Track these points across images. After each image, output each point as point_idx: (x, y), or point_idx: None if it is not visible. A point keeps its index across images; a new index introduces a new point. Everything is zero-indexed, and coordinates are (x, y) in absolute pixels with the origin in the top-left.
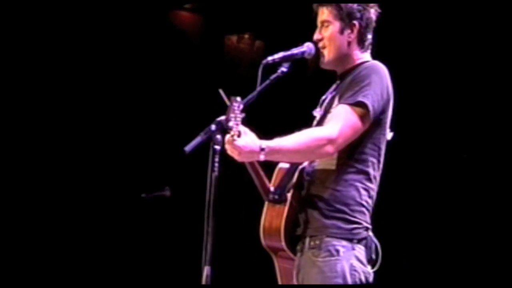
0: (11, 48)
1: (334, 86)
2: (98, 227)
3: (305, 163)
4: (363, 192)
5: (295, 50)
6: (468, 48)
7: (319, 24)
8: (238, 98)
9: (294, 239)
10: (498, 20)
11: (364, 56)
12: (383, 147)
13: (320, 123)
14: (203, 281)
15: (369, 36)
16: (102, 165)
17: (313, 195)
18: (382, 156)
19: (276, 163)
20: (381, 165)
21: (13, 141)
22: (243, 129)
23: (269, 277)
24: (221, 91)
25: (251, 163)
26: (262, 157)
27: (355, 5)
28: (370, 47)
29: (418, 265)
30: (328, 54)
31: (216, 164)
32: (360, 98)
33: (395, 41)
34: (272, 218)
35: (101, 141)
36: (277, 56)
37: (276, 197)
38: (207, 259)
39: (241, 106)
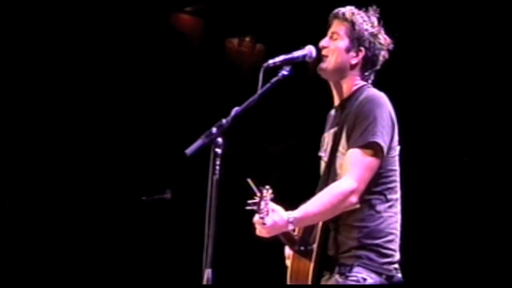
0: (12, 48)
1: (333, 119)
2: (99, 229)
3: None
4: (390, 220)
5: (296, 53)
6: (468, 52)
7: (329, 33)
8: (267, 187)
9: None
10: (497, 25)
11: (360, 83)
12: (397, 167)
13: (330, 164)
14: (204, 284)
15: (371, 72)
16: (103, 168)
17: (342, 236)
18: (398, 176)
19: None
20: (398, 184)
21: (14, 143)
22: (270, 206)
23: (269, 279)
24: (249, 180)
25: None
26: (290, 228)
27: (368, 33)
28: (370, 78)
29: (418, 267)
30: (328, 64)
31: (217, 167)
32: (370, 139)
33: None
34: (299, 270)
35: (103, 143)
36: (278, 59)
37: (302, 248)
38: (208, 262)
39: (271, 194)
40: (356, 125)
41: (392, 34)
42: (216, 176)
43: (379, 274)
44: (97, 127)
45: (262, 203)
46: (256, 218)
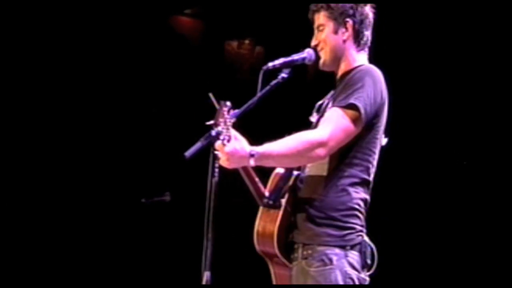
0: (12, 48)
1: (331, 92)
2: (99, 231)
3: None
4: (355, 195)
5: (295, 56)
6: (467, 55)
7: (315, 30)
8: (228, 103)
9: (287, 246)
10: (497, 26)
11: (359, 59)
12: (377, 152)
13: (313, 127)
14: (203, 286)
15: (366, 33)
16: (102, 170)
17: (304, 202)
18: (375, 160)
19: (272, 169)
20: (373, 169)
21: (14, 145)
22: (234, 133)
23: (269, 283)
24: (211, 95)
25: (245, 168)
26: (252, 163)
27: (347, 4)
28: (367, 45)
29: (417, 270)
30: (324, 55)
31: (216, 170)
32: (352, 101)
33: (394, 47)
34: (266, 223)
35: (102, 146)
36: (278, 62)
37: (271, 202)
38: (206, 264)
39: (231, 111)
40: (343, 89)
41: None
42: (215, 179)
43: (342, 247)
44: (97, 129)
45: (221, 126)
46: (218, 143)
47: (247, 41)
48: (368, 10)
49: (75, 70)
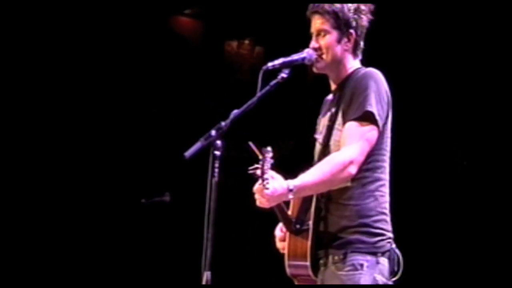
0: (12, 48)
1: (330, 102)
2: (98, 232)
3: None
4: (381, 199)
5: (295, 56)
6: (468, 55)
7: (315, 32)
8: (269, 148)
9: (318, 262)
10: (498, 25)
11: (355, 64)
12: (388, 148)
13: (326, 144)
14: (203, 286)
15: (362, 43)
16: (102, 170)
17: (333, 216)
18: (388, 158)
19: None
20: (388, 167)
21: (13, 146)
22: (270, 174)
23: (269, 282)
24: (251, 144)
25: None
26: (290, 197)
27: (351, 13)
28: (361, 51)
29: (417, 269)
30: (324, 62)
31: (216, 170)
32: (366, 109)
33: (394, 47)
34: (297, 247)
35: (102, 146)
36: (277, 62)
37: (298, 226)
38: (206, 264)
39: (271, 155)
40: (353, 99)
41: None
42: (215, 179)
43: (373, 254)
44: (97, 129)
45: (265, 165)
46: (256, 186)
47: (246, 41)
48: (366, 21)
49: (75, 70)
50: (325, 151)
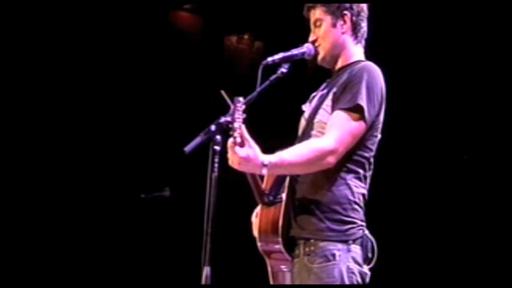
0: (12, 48)
1: (325, 84)
2: (97, 227)
3: None
4: (355, 189)
5: (294, 51)
6: (467, 49)
7: (312, 26)
8: (241, 99)
9: (289, 241)
10: (497, 20)
11: (357, 53)
12: (374, 148)
13: (310, 120)
14: (203, 281)
15: (363, 24)
16: (102, 166)
17: (305, 197)
18: (372, 157)
19: None
20: (372, 166)
21: (13, 142)
22: (248, 138)
23: (268, 277)
24: (223, 92)
25: None
26: (264, 172)
27: None
28: (364, 38)
29: (417, 265)
30: (324, 51)
31: (216, 165)
32: (357, 102)
33: (392, 41)
34: (268, 220)
35: (101, 141)
36: (277, 56)
37: (271, 198)
38: (206, 259)
39: (243, 107)
40: (346, 89)
41: None
42: (215, 174)
43: (344, 242)
44: (96, 125)
45: (237, 123)
46: (230, 141)
47: (246, 36)
48: (363, 4)
49: (73, 68)
50: (308, 127)
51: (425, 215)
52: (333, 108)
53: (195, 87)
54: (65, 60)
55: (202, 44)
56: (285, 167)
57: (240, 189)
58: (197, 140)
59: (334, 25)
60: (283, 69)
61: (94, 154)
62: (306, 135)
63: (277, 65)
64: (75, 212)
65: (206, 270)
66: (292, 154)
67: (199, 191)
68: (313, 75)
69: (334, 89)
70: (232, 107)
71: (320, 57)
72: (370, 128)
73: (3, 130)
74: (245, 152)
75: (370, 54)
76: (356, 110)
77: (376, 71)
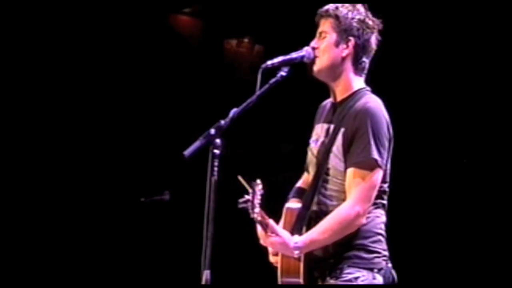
0: (12, 48)
1: (327, 112)
2: (97, 231)
3: (313, 204)
4: (377, 220)
5: (294, 54)
6: (467, 54)
7: (317, 34)
8: (259, 181)
9: (312, 281)
10: (497, 23)
11: (358, 82)
12: (388, 177)
13: (323, 162)
14: (203, 285)
15: (365, 60)
16: (102, 169)
17: None
18: (388, 187)
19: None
20: (387, 192)
21: (13, 145)
22: (275, 227)
23: (268, 281)
24: (240, 178)
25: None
26: (296, 255)
27: (355, 22)
28: (365, 72)
29: (417, 268)
30: (320, 64)
31: (216, 169)
32: (370, 156)
33: (393, 44)
34: (290, 264)
35: (101, 144)
36: (277, 60)
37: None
38: (206, 263)
39: (262, 191)
40: (355, 140)
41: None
42: (215, 177)
43: (369, 269)
44: (96, 128)
45: (255, 199)
46: (260, 232)
47: (246, 40)
48: (374, 39)
49: (73, 69)
50: (322, 169)
51: (424, 219)
52: (345, 159)
53: (195, 90)
54: (65, 63)
55: (202, 47)
56: (317, 244)
57: (239, 192)
58: (197, 144)
59: (336, 45)
60: (283, 73)
61: (94, 158)
62: (321, 178)
63: (276, 68)
64: (75, 215)
65: (206, 274)
66: (320, 232)
67: (199, 195)
68: (312, 78)
69: (343, 129)
70: (250, 191)
71: (315, 68)
72: (386, 165)
73: (3, 133)
74: (279, 240)
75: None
76: (370, 164)
77: (378, 109)
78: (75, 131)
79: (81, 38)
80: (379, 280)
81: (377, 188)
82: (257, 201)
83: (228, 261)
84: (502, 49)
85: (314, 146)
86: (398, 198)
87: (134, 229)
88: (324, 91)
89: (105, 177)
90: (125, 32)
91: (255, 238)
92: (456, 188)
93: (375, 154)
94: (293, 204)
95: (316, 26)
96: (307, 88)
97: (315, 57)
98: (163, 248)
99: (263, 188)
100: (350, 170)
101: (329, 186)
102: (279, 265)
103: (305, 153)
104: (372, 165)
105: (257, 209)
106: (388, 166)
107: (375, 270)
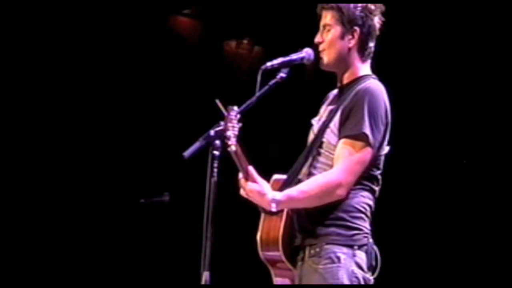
0: (11, 50)
1: (333, 97)
2: (97, 232)
3: (302, 175)
4: (362, 199)
5: (293, 56)
6: (466, 55)
7: (321, 27)
8: (235, 107)
9: (292, 250)
10: (496, 25)
11: (364, 68)
12: (381, 166)
13: (319, 136)
14: (202, 286)
15: (371, 44)
16: (101, 170)
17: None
18: (379, 174)
19: (270, 174)
20: (380, 182)
21: (13, 145)
22: (255, 175)
23: (268, 282)
24: (217, 101)
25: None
26: (273, 209)
27: (358, 11)
28: (371, 56)
29: (417, 270)
30: (327, 57)
31: (215, 170)
32: (362, 130)
33: (392, 47)
34: (270, 229)
35: (100, 146)
36: (276, 61)
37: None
38: (206, 264)
39: (238, 115)
40: (351, 114)
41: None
42: (214, 179)
43: (349, 246)
44: (95, 129)
45: (230, 131)
46: (240, 177)
47: (245, 41)
48: (376, 22)
49: (73, 71)
50: (316, 143)
51: (424, 220)
52: (339, 132)
53: (194, 91)
54: (65, 64)
55: (202, 49)
56: (294, 204)
57: (239, 193)
58: (196, 145)
59: (342, 37)
60: (282, 74)
61: (94, 159)
62: (315, 150)
63: (276, 70)
64: (74, 216)
65: (206, 275)
66: (300, 191)
67: (199, 196)
68: (311, 79)
69: (342, 107)
70: (226, 115)
71: (323, 62)
72: (378, 149)
73: (3, 133)
74: (258, 187)
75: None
76: (361, 138)
77: (378, 90)
78: (75, 132)
79: (81, 39)
80: (361, 256)
81: (364, 165)
82: (232, 129)
83: (227, 263)
84: (500, 49)
85: (315, 126)
86: (398, 199)
87: (133, 230)
88: (321, 93)
89: (104, 178)
90: (124, 33)
91: (255, 239)
92: (455, 189)
93: (367, 130)
94: (281, 176)
95: (317, 19)
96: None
97: (320, 51)
98: (163, 250)
99: (240, 119)
100: (340, 142)
101: (320, 158)
102: (258, 238)
103: (294, 155)
104: (362, 140)
105: (232, 137)
106: (382, 153)
107: (355, 247)
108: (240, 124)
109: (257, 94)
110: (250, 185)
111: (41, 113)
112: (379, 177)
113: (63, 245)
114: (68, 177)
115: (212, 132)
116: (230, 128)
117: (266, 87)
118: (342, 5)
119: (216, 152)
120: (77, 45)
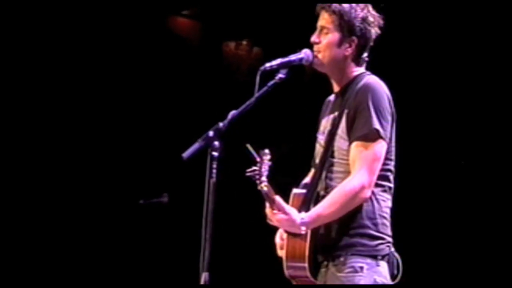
0: (11, 50)
1: (331, 104)
2: (96, 233)
3: (320, 188)
4: (382, 204)
5: (292, 57)
6: (466, 56)
7: (318, 27)
8: (267, 150)
9: (317, 266)
10: (496, 26)
11: (359, 70)
12: (394, 158)
13: (329, 145)
14: (201, 287)
15: (365, 55)
16: (100, 171)
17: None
18: (393, 167)
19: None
20: (393, 175)
21: (13, 146)
22: (283, 204)
23: (267, 283)
24: (248, 146)
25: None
26: (303, 231)
27: (358, 22)
28: (365, 61)
29: (416, 269)
30: (322, 59)
31: (214, 171)
32: (372, 127)
33: (392, 47)
34: (295, 247)
35: (100, 147)
36: (275, 62)
37: None
38: (204, 265)
39: (269, 157)
40: (357, 116)
41: (379, 9)
42: (213, 180)
43: (373, 257)
44: (95, 130)
45: (263, 168)
46: (267, 210)
47: (244, 42)
48: (374, 33)
49: (73, 71)
50: (327, 153)
51: (422, 221)
52: (349, 137)
53: (194, 92)
54: (65, 65)
55: (201, 50)
56: (323, 220)
57: (238, 194)
58: (195, 146)
59: (339, 44)
60: (281, 75)
61: (93, 160)
62: (327, 161)
63: (275, 70)
64: (73, 217)
65: (204, 276)
66: (326, 206)
67: (198, 197)
68: (310, 80)
69: (346, 111)
70: (258, 160)
71: (317, 62)
72: (390, 139)
73: (3, 134)
74: (286, 217)
75: (372, 57)
76: (372, 134)
77: (377, 84)
78: (75, 133)
79: (81, 40)
80: (383, 266)
81: (381, 160)
82: (264, 171)
83: (226, 263)
84: (499, 50)
85: (321, 138)
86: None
87: (132, 231)
88: (321, 94)
89: (104, 179)
90: (124, 34)
91: (255, 239)
92: (454, 190)
93: (377, 125)
94: (300, 190)
95: (315, 18)
96: (303, 91)
97: (315, 51)
98: (162, 251)
99: (272, 159)
100: (353, 144)
101: (334, 168)
102: (284, 251)
103: (302, 154)
104: (374, 136)
105: (264, 179)
106: (393, 143)
107: (379, 257)
108: (270, 163)
109: (256, 95)
110: (278, 216)
111: (41, 114)
112: (393, 169)
113: (62, 245)
114: (67, 178)
115: (211, 133)
116: (265, 175)
117: (265, 88)
118: (343, 11)
119: (215, 153)
120: (77, 46)
